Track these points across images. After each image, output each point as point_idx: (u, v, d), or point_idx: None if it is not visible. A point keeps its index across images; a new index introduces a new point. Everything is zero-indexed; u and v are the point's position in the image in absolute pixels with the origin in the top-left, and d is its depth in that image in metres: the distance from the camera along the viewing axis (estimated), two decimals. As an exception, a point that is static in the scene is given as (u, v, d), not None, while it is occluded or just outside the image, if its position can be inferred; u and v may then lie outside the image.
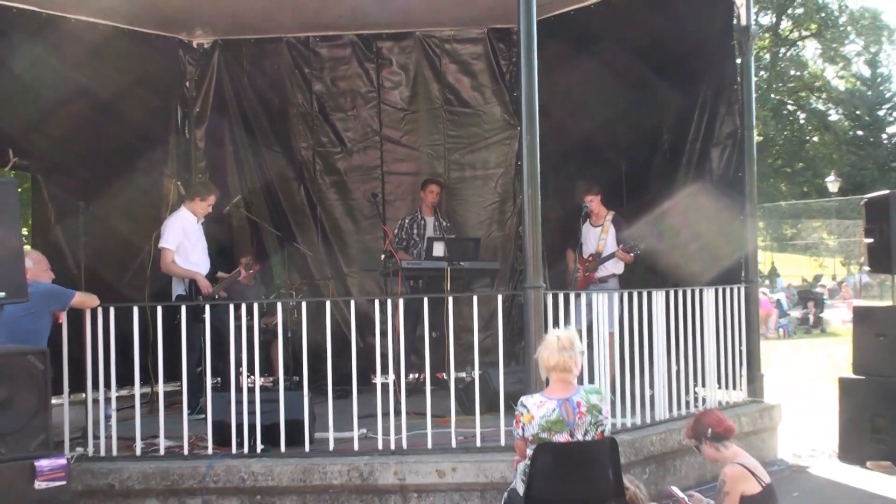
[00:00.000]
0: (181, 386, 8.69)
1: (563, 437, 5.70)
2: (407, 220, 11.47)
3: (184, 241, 9.75)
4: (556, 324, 7.76)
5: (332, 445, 7.75)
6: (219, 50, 12.45)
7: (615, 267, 10.30)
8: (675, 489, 6.62)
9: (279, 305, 8.33)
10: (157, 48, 11.91)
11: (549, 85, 8.62)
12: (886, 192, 9.77)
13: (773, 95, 51.29)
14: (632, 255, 10.12)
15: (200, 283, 9.68)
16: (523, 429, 5.78)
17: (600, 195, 10.40)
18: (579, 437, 5.73)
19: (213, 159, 12.54)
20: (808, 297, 31.07)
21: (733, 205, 9.97)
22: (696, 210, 10.16)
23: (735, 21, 10.02)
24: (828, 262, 45.86)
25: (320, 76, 12.59)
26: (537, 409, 5.75)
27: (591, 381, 7.92)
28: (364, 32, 12.41)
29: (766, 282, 28.79)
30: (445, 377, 9.84)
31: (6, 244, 6.44)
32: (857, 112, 53.77)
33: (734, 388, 9.70)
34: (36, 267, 7.83)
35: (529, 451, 5.81)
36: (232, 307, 8.24)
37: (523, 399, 5.90)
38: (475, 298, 8.14)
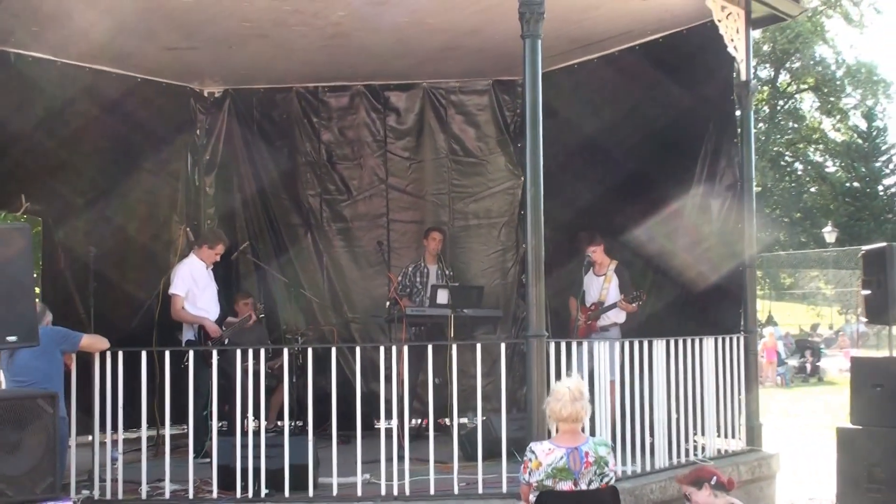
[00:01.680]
0: (187, 429, 8.79)
1: (566, 486, 5.80)
2: (410, 268, 11.57)
3: (192, 287, 9.87)
4: (557, 371, 7.85)
5: (335, 490, 7.76)
6: (229, 99, 12.66)
7: (617, 316, 10.39)
8: None
9: (285, 351, 8.44)
10: (169, 97, 12.11)
11: (553, 133, 8.76)
12: (883, 244, 9.85)
13: (771, 147, 51.50)
14: (634, 305, 10.22)
15: (209, 327, 9.78)
16: (530, 474, 5.88)
17: (603, 245, 10.50)
18: (583, 486, 5.82)
19: (221, 205, 12.69)
20: (805, 345, 31.08)
21: (733, 255, 10.09)
22: (696, 259, 10.29)
23: (735, 76, 10.18)
24: (825, 312, 45.87)
25: (328, 125, 12.79)
26: (546, 455, 5.85)
27: (593, 429, 8.02)
28: (372, 83, 12.61)
29: (764, 330, 28.76)
30: (448, 423, 9.94)
31: (19, 289, 6.53)
32: (854, 164, 54.02)
33: (733, 436, 9.76)
34: (45, 318, 7.97)
35: (532, 497, 5.90)
36: (239, 352, 8.33)
37: (532, 445, 6.01)
38: (479, 346, 8.25)
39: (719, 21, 9.76)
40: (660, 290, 10.60)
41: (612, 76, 11.18)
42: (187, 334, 9.91)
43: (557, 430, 6.08)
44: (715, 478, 6.46)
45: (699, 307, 10.23)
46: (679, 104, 10.48)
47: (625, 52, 11.02)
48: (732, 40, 9.93)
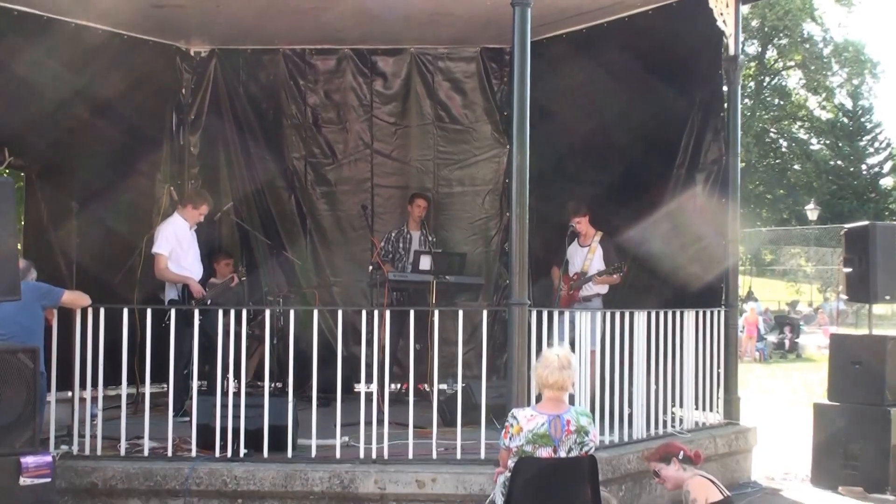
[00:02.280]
0: (167, 388, 8.81)
1: (546, 452, 5.83)
2: (393, 234, 11.58)
3: (176, 246, 9.85)
4: (538, 339, 7.88)
5: (314, 452, 7.81)
6: (216, 58, 12.58)
7: (600, 287, 10.43)
8: None
9: (266, 312, 8.44)
10: (154, 54, 12.02)
11: (539, 104, 8.75)
12: (865, 223, 9.94)
13: (756, 123, 51.62)
14: (616, 276, 10.25)
15: (193, 287, 9.78)
16: (510, 439, 5.91)
17: (588, 215, 10.50)
18: (562, 453, 5.86)
19: (206, 166, 12.65)
20: (784, 322, 31.28)
21: (716, 229, 10.13)
22: (680, 232, 10.32)
23: (723, 50, 10.17)
24: (805, 289, 46.17)
25: (314, 88, 12.73)
26: (527, 421, 5.89)
27: (571, 397, 8.06)
28: (359, 47, 12.55)
29: (746, 305, 28.93)
30: (428, 389, 9.98)
31: (1, 244, 6.53)
32: (839, 142, 54.22)
33: (711, 409, 9.83)
34: (28, 273, 7.96)
35: (511, 463, 5.94)
36: (221, 312, 8.33)
37: (514, 411, 6.05)
38: (460, 312, 8.27)
39: (709, -6, 9.76)
40: (642, 262, 10.61)
41: (600, 47, 11.15)
42: (170, 293, 9.91)
43: (541, 398, 6.10)
44: (682, 452, 6.52)
45: (681, 279, 10.24)
46: (666, 77, 10.45)
47: (614, 24, 10.98)
48: (722, 14, 9.93)
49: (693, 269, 10.17)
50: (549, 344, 7.91)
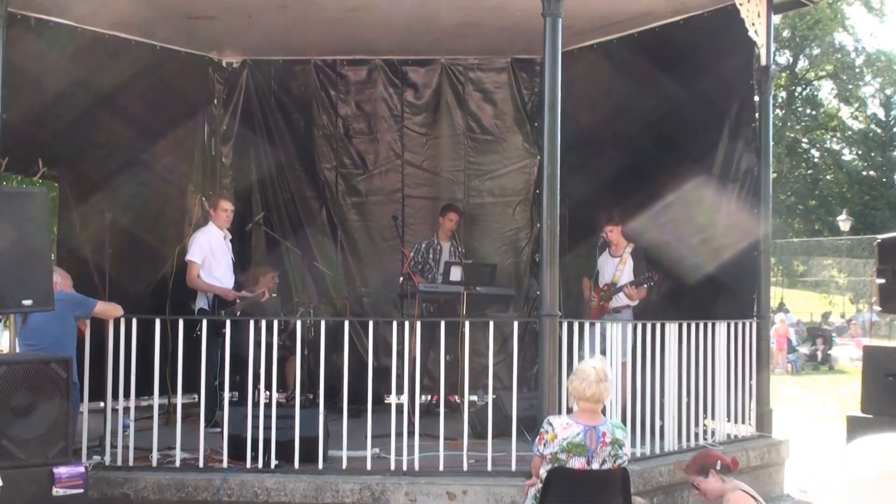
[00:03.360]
0: (199, 398, 8.84)
1: (579, 463, 5.80)
2: (424, 245, 11.57)
3: (209, 255, 9.90)
4: (569, 351, 7.87)
5: (345, 464, 7.82)
6: (247, 69, 12.65)
7: (631, 299, 10.38)
8: None
9: (298, 323, 8.46)
10: (186, 65, 12.09)
11: (567, 115, 8.75)
12: (900, 233, 9.87)
13: (788, 133, 51.31)
14: (644, 287, 10.21)
15: (227, 296, 9.82)
16: (545, 445, 5.88)
17: (620, 226, 10.47)
18: (595, 465, 5.83)
19: (237, 176, 12.71)
20: (817, 333, 31.07)
21: (749, 240, 10.07)
22: (711, 243, 10.27)
23: (755, 60, 10.13)
24: (837, 300, 45.83)
25: (346, 99, 12.77)
26: (563, 429, 5.86)
27: (603, 410, 8.03)
28: (390, 57, 12.58)
29: (776, 316, 28.77)
30: (458, 400, 9.96)
31: (36, 254, 6.58)
32: (871, 153, 53.83)
33: (743, 422, 9.77)
34: (63, 282, 8.00)
35: (543, 473, 5.91)
36: (252, 323, 8.34)
37: (550, 418, 6.02)
38: (491, 324, 8.25)
39: (741, 4, 9.72)
40: (674, 271, 10.56)
41: (631, 57, 11.13)
42: (200, 303, 9.94)
43: (575, 409, 6.07)
44: (719, 462, 6.43)
45: (713, 290, 10.20)
46: (698, 87, 10.43)
47: (645, 34, 10.96)
48: (753, 24, 9.88)
49: (725, 280, 10.13)
50: (581, 355, 7.91)
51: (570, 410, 6.17)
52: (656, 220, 10.68)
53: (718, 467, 6.40)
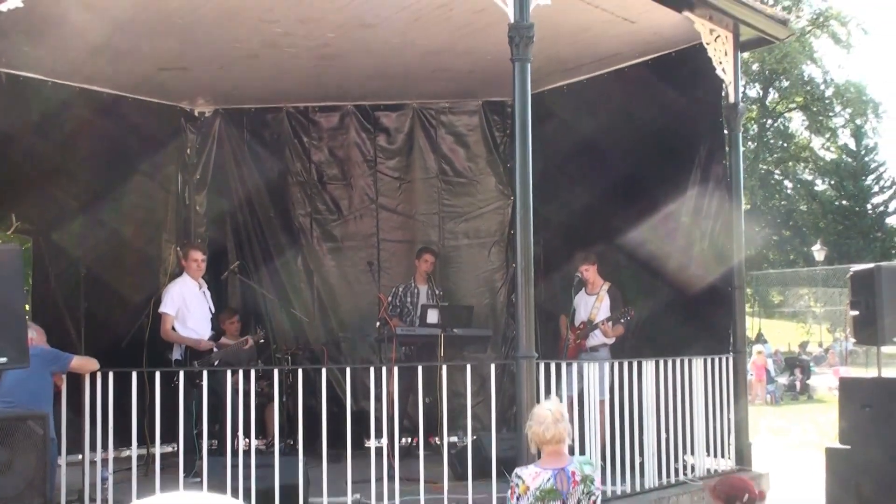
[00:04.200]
0: (177, 449, 8.80)
1: (555, 507, 5.81)
2: (401, 289, 11.57)
3: (182, 307, 9.88)
4: (546, 391, 7.88)
5: (326, 511, 7.83)
6: (220, 118, 12.68)
7: (606, 337, 10.42)
8: None
9: (275, 371, 8.46)
10: (159, 116, 12.13)
11: (543, 154, 8.82)
12: (871, 265, 9.92)
13: (760, 166, 51.71)
14: (621, 323, 10.26)
15: (195, 345, 9.81)
16: (518, 499, 5.87)
17: (596, 265, 10.54)
18: (571, 505, 5.84)
19: (212, 225, 12.71)
20: (795, 363, 31.15)
21: (723, 275, 10.14)
22: (687, 281, 10.33)
23: (723, 98, 10.24)
24: (814, 329, 46.02)
25: (318, 145, 12.81)
26: (532, 479, 5.85)
27: (583, 448, 8.06)
28: (361, 103, 12.64)
29: (754, 348, 28.84)
30: (438, 442, 9.96)
31: (10, 310, 6.55)
32: (843, 182, 54.29)
33: (722, 455, 9.79)
34: (38, 337, 7.98)
35: (522, 521, 5.91)
36: (229, 371, 8.34)
37: (518, 470, 6.01)
38: (468, 366, 8.27)
39: (707, 44, 9.83)
40: (650, 309, 10.61)
41: (600, 97, 11.26)
42: (175, 353, 9.92)
43: (540, 454, 6.08)
44: (747, 496, 6.32)
45: (690, 326, 10.25)
46: (668, 125, 10.54)
47: (613, 74, 11.09)
48: (721, 63, 9.99)
49: (701, 316, 10.19)
50: (559, 395, 7.93)
51: (538, 454, 6.13)
52: (631, 258, 10.74)
53: (745, 500, 6.31)
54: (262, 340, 10.64)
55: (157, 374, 7.98)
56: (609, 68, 11.06)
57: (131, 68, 10.64)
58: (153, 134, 11.98)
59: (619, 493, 8.41)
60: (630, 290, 10.70)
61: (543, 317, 10.84)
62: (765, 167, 53.14)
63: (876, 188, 55.46)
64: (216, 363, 9.61)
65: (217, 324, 10.87)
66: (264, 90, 11.88)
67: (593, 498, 5.93)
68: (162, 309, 9.90)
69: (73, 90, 10.89)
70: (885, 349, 9.87)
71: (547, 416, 5.96)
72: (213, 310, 10.29)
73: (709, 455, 9.63)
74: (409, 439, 11.12)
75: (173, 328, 9.86)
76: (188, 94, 12.11)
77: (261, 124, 12.80)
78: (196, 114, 12.66)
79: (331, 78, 11.35)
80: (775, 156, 55.05)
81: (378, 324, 10.85)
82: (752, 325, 40.19)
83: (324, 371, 8.17)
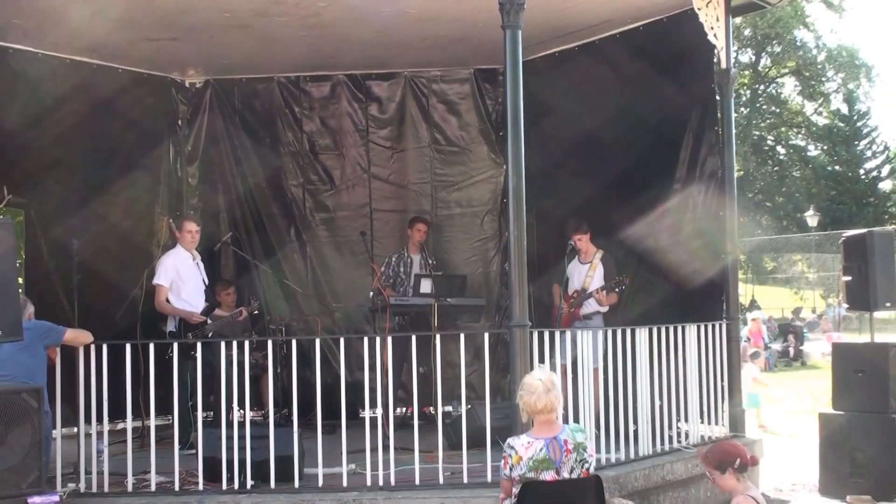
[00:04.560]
0: (172, 421, 8.81)
1: (549, 475, 5.81)
2: (394, 259, 11.55)
3: (175, 278, 9.88)
4: (541, 360, 7.89)
5: (321, 481, 7.83)
6: (211, 89, 12.64)
7: (601, 304, 10.42)
8: None
9: (269, 342, 8.45)
10: (150, 86, 12.07)
11: (536, 121, 8.79)
12: (864, 230, 9.95)
13: (753, 132, 51.65)
14: (615, 292, 10.26)
15: (192, 319, 9.81)
16: (511, 469, 5.89)
17: (589, 233, 10.51)
18: (565, 474, 5.84)
19: (204, 196, 12.71)
20: (788, 329, 31.23)
21: (716, 241, 10.14)
22: (679, 248, 10.34)
23: (715, 63, 10.20)
24: (808, 295, 46.16)
25: (310, 115, 12.77)
26: (525, 449, 5.87)
27: (577, 417, 8.07)
28: (353, 72, 12.59)
29: (747, 314, 28.89)
30: (433, 412, 9.97)
31: (3, 284, 6.53)
32: (836, 148, 54.29)
33: (716, 423, 9.82)
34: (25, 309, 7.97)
35: (516, 490, 5.92)
36: (223, 343, 8.34)
37: (511, 440, 6.02)
38: (462, 336, 8.27)
39: (699, 9, 9.77)
40: (643, 277, 10.63)
41: (592, 64, 11.21)
42: (169, 325, 9.92)
43: (533, 423, 6.08)
44: (738, 460, 6.34)
45: (683, 294, 10.27)
46: (660, 92, 10.51)
47: (605, 41, 11.03)
48: (713, 28, 9.94)
49: (694, 282, 10.19)
50: (553, 363, 7.95)
51: (531, 423, 6.14)
52: (622, 225, 10.73)
53: (737, 465, 6.33)
54: (255, 312, 10.65)
55: (151, 346, 7.96)
56: (601, 35, 11.00)
57: (121, 39, 10.58)
58: (144, 105, 11.93)
59: (613, 460, 8.42)
60: (624, 253, 10.69)
61: (537, 286, 10.87)
62: (757, 133, 53.10)
63: (868, 153, 55.54)
64: (210, 335, 9.61)
65: (213, 295, 10.86)
66: (255, 60, 11.83)
67: (586, 466, 5.95)
68: (156, 281, 9.91)
69: (62, 62, 10.83)
70: (878, 314, 9.93)
71: (538, 385, 5.96)
72: (207, 281, 10.28)
73: (703, 422, 9.65)
74: (404, 409, 11.15)
75: (167, 300, 9.87)
76: (179, 64, 12.06)
77: (252, 94, 12.75)
78: (187, 84, 12.62)
79: (321, 47, 11.28)
80: (768, 121, 55.04)
81: (371, 294, 10.84)
82: (746, 291, 40.34)
83: (318, 341, 8.17)
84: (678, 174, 10.44)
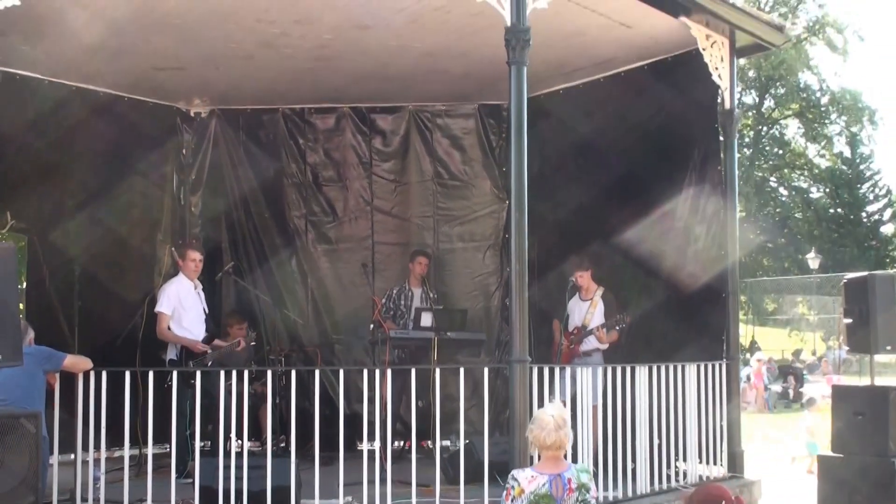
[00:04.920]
0: (170, 449, 8.79)
1: (548, 513, 5.81)
2: (395, 291, 11.54)
3: (178, 306, 9.87)
4: (540, 396, 7.88)
5: (318, 513, 7.81)
6: (216, 119, 12.67)
7: (600, 343, 10.41)
8: None
9: (269, 372, 8.44)
10: (155, 115, 12.11)
11: (538, 159, 8.82)
12: (865, 274, 9.94)
13: (756, 172, 51.74)
14: (616, 330, 10.24)
15: (194, 348, 9.78)
16: (512, 501, 5.87)
17: (590, 270, 10.52)
18: (565, 513, 5.83)
19: (207, 225, 12.71)
20: (788, 371, 31.16)
21: (717, 281, 10.14)
22: (681, 287, 10.33)
23: (719, 103, 10.24)
24: (808, 337, 46.04)
25: (314, 147, 12.81)
26: (528, 483, 5.84)
27: (574, 454, 8.05)
28: (358, 105, 12.64)
29: (747, 355, 28.85)
30: (431, 446, 9.94)
31: (4, 308, 6.52)
32: (838, 190, 54.36)
33: (715, 462, 9.79)
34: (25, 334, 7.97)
35: (514, 525, 5.90)
36: (223, 373, 8.33)
37: (514, 473, 6.00)
38: (462, 370, 8.26)
39: (704, 49, 9.83)
40: (644, 314, 10.60)
41: (596, 102, 11.25)
42: (170, 353, 9.91)
43: (540, 458, 6.07)
44: (723, 503, 6.30)
45: (683, 332, 10.25)
46: (664, 130, 10.56)
47: (610, 79, 11.09)
48: (717, 69, 10.00)
49: (695, 322, 10.19)
50: (551, 398, 7.93)
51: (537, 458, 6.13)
52: (625, 263, 10.74)
53: None
54: (253, 343, 10.64)
55: (151, 374, 7.96)
56: (605, 73, 11.06)
57: (127, 67, 10.64)
58: (149, 134, 11.97)
59: (611, 498, 8.41)
60: (626, 290, 10.71)
61: (538, 319, 10.85)
62: (760, 174, 53.20)
63: (871, 196, 55.61)
64: (210, 364, 9.60)
65: (224, 326, 10.87)
66: (260, 91, 11.88)
67: (587, 506, 5.93)
68: (158, 308, 9.90)
69: (69, 89, 10.87)
70: (879, 357, 9.89)
71: (549, 421, 5.94)
72: (207, 310, 10.28)
73: (701, 462, 9.62)
74: (402, 443, 11.11)
75: (169, 328, 9.86)
76: (184, 94, 12.10)
77: (257, 125, 12.79)
78: (192, 114, 12.65)
79: (327, 79, 11.34)
80: (771, 163, 55.13)
81: (371, 326, 10.82)
82: (746, 332, 40.23)
83: (317, 373, 8.16)
84: (681, 210, 10.46)
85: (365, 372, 8.23)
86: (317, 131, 12.83)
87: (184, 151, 12.59)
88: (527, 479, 5.87)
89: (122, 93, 11.48)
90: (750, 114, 50.68)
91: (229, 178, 12.69)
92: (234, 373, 8.13)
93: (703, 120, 10.34)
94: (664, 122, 10.56)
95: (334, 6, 9.09)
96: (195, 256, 10.20)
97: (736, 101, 10.36)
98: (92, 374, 7.86)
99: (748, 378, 26.54)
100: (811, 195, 57.24)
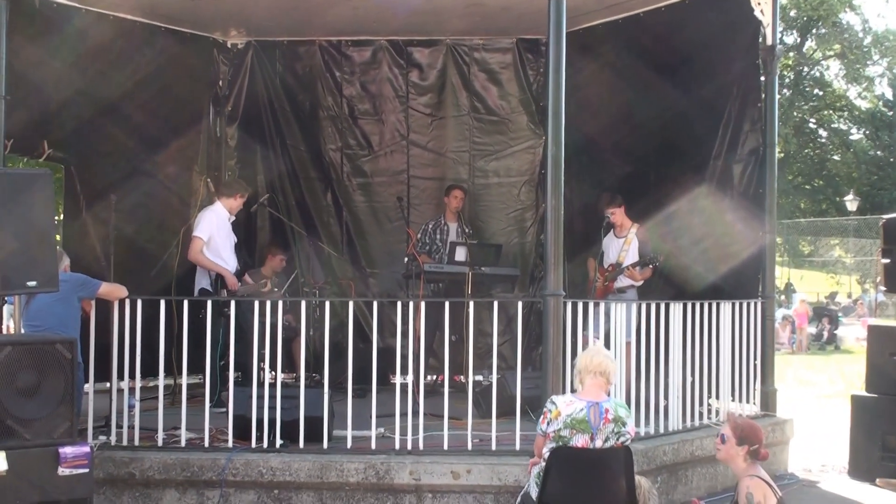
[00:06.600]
0: (204, 379, 8.87)
1: (582, 440, 5.81)
2: (430, 225, 11.55)
3: (215, 234, 9.89)
4: (573, 330, 7.90)
5: (349, 443, 7.85)
6: (252, 50, 12.58)
7: (634, 280, 10.37)
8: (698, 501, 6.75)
9: (303, 303, 8.47)
10: (191, 46, 12.03)
11: (575, 94, 8.73)
12: (905, 213, 9.86)
13: (795, 113, 51.14)
14: (650, 267, 10.19)
15: (228, 279, 9.81)
16: (548, 424, 5.89)
17: (623, 206, 10.45)
18: (598, 442, 5.84)
19: (242, 157, 12.68)
20: (823, 313, 31.04)
21: (753, 220, 10.05)
22: (716, 224, 10.27)
23: (761, 40, 10.08)
24: (844, 280, 45.80)
25: (350, 80, 12.73)
26: (566, 406, 5.88)
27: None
28: (395, 38, 12.54)
29: (782, 297, 28.76)
30: (463, 380, 9.98)
31: (40, 235, 6.56)
32: (878, 132, 53.65)
33: (747, 401, 9.78)
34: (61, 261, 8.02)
35: (546, 451, 5.92)
36: (256, 303, 8.36)
37: (554, 397, 6.07)
38: (495, 304, 8.26)
39: (746, -17, 9.68)
40: (678, 253, 10.56)
41: (636, 38, 11.09)
42: (202, 281, 9.96)
43: (581, 387, 6.08)
44: (758, 447, 6.30)
45: (717, 272, 10.20)
46: (703, 67, 10.43)
47: (650, 14, 10.89)
48: (759, 3, 9.84)
49: (730, 260, 10.13)
50: (585, 335, 7.95)
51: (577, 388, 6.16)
52: (659, 200, 10.68)
53: (752, 449, 6.25)
54: (275, 289, 10.68)
55: (186, 304, 8.00)
56: (645, 7, 10.88)
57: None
58: (185, 64, 11.90)
59: (642, 434, 8.40)
60: (662, 227, 10.63)
61: (572, 260, 10.83)
62: (799, 115, 52.57)
63: (912, 139, 54.84)
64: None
65: (252, 256, 10.90)
66: (297, 23, 11.78)
67: (622, 439, 5.94)
68: (196, 233, 9.91)
69: (105, 17, 10.77)
70: (916, 299, 9.82)
71: (600, 350, 6.07)
72: (237, 242, 10.31)
73: (734, 400, 9.60)
74: (434, 377, 11.16)
75: (202, 252, 9.88)
76: (221, 24, 12.02)
77: (293, 57, 12.72)
78: (229, 45, 12.56)
79: (364, 12, 11.22)
80: (811, 104, 54.41)
81: (406, 259, 10.83)
82: (782, 274, 40.03)
83: (350, 305, 8.18)
84: (717, 149, 10.37)
85: (399, 305, 8.22)
86: (353, 64, 12.74)
87: (220, 83, 12.53)
88: (565, 403, 5.90)
89: (158, 23, 11.40)
90: (791, 54, 49.99)
91: (265, 111, 12.64)
92: (267, 304, 8.15)
93: (744, 56, 10.19)
94: (704, 59, 10.43)
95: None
96: (243, 199, 10.27)
97: (777, 38, 10.18)
98: (127, 302, 7.92)
99: (787, 318, 26.47)
100: (851, 137, 56.54)
